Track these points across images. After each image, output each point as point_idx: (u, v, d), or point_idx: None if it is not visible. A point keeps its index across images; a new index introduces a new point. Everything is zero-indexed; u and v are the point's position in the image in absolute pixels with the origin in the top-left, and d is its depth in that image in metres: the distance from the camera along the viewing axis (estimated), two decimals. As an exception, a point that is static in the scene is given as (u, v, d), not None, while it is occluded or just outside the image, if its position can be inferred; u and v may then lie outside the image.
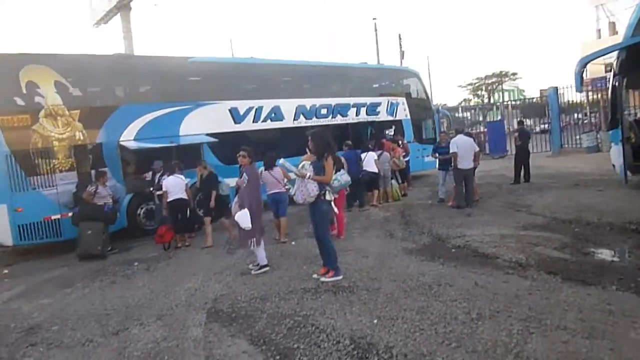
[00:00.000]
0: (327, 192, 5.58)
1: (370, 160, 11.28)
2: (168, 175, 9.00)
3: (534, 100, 39.33)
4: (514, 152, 22.37)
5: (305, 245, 7.77)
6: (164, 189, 8.86)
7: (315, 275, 5.76)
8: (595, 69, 31.69)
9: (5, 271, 8.43)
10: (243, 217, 6.08)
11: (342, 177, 9.09)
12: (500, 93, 61.49)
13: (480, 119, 37.38)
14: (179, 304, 5.29)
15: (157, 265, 7.56)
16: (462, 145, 10.08)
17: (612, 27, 36.27)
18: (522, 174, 12.83)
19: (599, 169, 14.24)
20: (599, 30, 38.41)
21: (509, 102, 37.27)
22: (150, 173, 10.31)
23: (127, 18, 23.26)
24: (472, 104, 59.18)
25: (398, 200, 11.90)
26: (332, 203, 5.70)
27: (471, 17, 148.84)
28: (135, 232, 10.39)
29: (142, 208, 10.58)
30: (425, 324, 4.02)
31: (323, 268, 5.80)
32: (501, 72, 59.91)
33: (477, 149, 10.43)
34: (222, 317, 4.73)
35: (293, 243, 8.12)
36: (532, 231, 7.18)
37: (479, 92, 62.53)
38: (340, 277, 5.55)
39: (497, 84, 60.86)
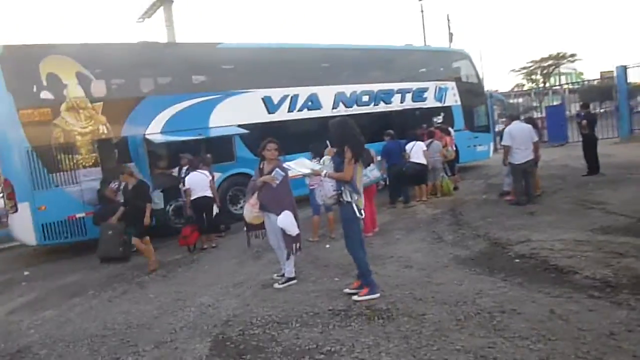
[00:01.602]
0: (345, 192, 4.57)
1: (418, 151, 10.19)
2: (191, 171, 8.28)
3: (594, 82, 36.50)
4: (575, 139, 21.09)
5: (341, 248, 6.81)
6: (186, 186, 8.15)
7: (347, 290, 4.80)
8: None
9: (26, 273, 7.99)
10: (288, 222, 5.16)
11: (371, 173, 8.11)
12: (557, 77, 57.91)
13: (535, 104, 35.07)
14: (185, 326, 4.47)
15: (176, 271, 6.83)
16: (518, 135, 8.68)
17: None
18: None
19: (681, 157, 12.48)
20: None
21: (566, 86, 34.59)
22: (177, 168, 9.63)
23: (169, 9, 23.12)
24: (525, 89, 56.02)
25: (449, 194, 10.69)
26: (356, 207, 4.60)
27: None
28: (165, 230, 9.79)
29: (170, 205, 9.95)
30: (486, 374, 2.99)
31: (356, 281, 4.84)
32: (558, 53, 56.23)
33: (536, 138, 8.97)
34: (228, 348, 3.85)
35: (327, 246, 7.19)
36: (614, 236, 5.89)
37: (533, 77, 59.10)
38: (376, 295, 4.57)
39: (553, 66, 57.23)
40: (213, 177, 9.51)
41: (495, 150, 16.87)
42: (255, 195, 5.37)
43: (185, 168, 9.08)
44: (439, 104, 14.46)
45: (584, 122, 11.75)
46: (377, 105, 13.12)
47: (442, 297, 4.42)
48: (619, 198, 8.21)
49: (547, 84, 52.94)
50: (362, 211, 4.66)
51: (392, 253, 6.33)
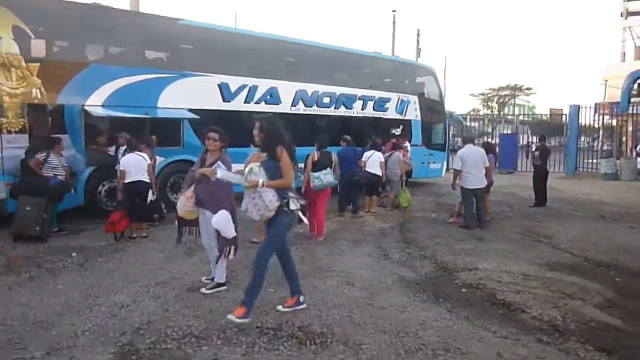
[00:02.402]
0: (292, 200, 4.11)
1: (375, 161, 9.87)
2: (129, 152, 7.57)
3: (544, 117, 37.94)
4: (523, 168, 21.67)
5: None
6: (121, 168, 7.41)
7: (280, 308, 4.33)
8: (615, 93, 30.42)
9: None
10: (225, 222, 4.51)
11: (325, 177, 7.74)
12: (512, 107, 59.95)
13: (489, 130, 35.99)
14: (89, 330, 3.85)
15: (96, 260, 6.12)
16: (469, 159, 8.48)
17: (639, 51, 34.78)
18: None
19: (622, 199, 12.85)
20: (624, 54, 36.92)
21: (518, 117, 35.62)
22: (114, 147, 8.83)
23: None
24: (481, 114, 57.65)
25: (407, 207, 10.42)
26: (300, 212, 4.24)
27: (491, 26, 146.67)
28: (94, 211, 8.98)
29: (103, 185, 9.15)
30: None
31: (292, 297, 4.39)
32: (515, 85, 58.45)
33: (488, 163, 8.76)
34: (132, 364, 3.30)
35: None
36: (561, 273, 5.75)
37: (489, 104, 61.07)
38: (247, 320, 3.99)
39: (509, 97, 59.36)
40: (155, 161, 8.83)
41: (447, 169, 16.93)
42: (192, 187, 4.79)
43: (123, 148, 8.32)
44: (399, 116, 14.27)
45: (537, 153, 11.88)
46: (337, 108, 12.75)
47: (383, 324, 4.04)
48: (565, 234, 8.20)
49: (502, 113, 54.70)
50: (306, 217, 4.25)
51: (335, 266, 5.92)
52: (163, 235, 7.47)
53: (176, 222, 5.16)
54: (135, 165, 7.32)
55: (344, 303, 4.53)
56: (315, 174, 7.52)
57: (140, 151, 7.73)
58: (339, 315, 4.22)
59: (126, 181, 7.30)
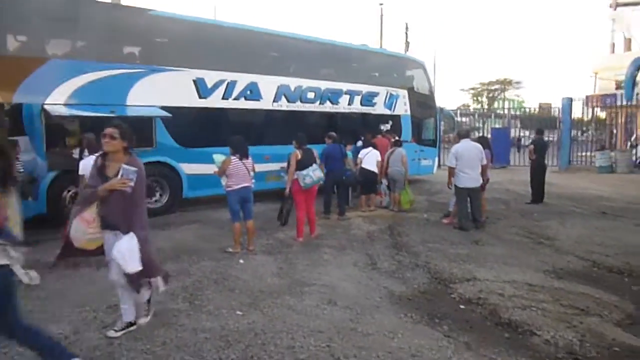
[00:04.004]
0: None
1: (372, 159, 9.55)
2: (89, 154, 6.84)
3: (533, 111, 37.61)
4: (516, 163, 21.19)
5: (257, 266, 5.72)
6: (80, 172, 6.67)
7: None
8: (605, 86, 30.09)
9: None
10: (130, 250, 3.42)
11: (315, 173, 7.23)
12: (501, 101, 59.67)
13: (479, 125, 35.58)
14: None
15: (44, 279, 5.38)
16: (465, 155, 7.84)
17: (628, 43, 34.46)
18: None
19: (620, 193, 12.35)
20: (613, 45, 36.62)
21: (508, 111, 35.20)
22: (78, 149, 8.08)
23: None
24: (471, 109, 57.38)
25: (408, 209, 9.74)
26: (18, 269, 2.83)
27: (480, 20, 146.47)
28: (59, 220, 8.22)
29: (69, 191, 8.40)
30: None
31: None
32: (505, 79, 58.12)
33: (485, 160, 8.16)
34: None
35: (241, 262, 6.00)
36: (570, 282, 5.13)
37: (479, 98, 60.79)
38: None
39: (499, 91, 59.07)
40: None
41: (439, 166, 16.36)
42: (93, 208, 3.51)
43: (86, 150, 7.59)
44: (387, 112, 13.60)
45: (531, 147, 11.31)
46: (322, 104, 12.05)
47: (368, 356, 3.38)
48: (567, 234, 7.60)
49: (491, 107, 54.40)
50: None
51: (316, 278, 5.26)
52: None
53: (60, 250, 3.85)
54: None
55: (322, 329, 3.85)
56: (304, 172, 7.14)
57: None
58: (315, 346, 3.54)
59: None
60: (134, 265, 3.44)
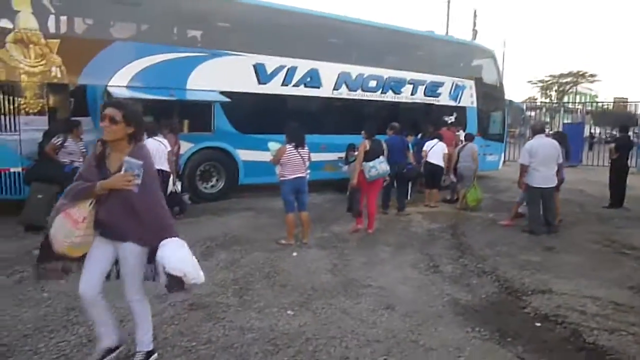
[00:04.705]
0: None
1: (438, 151, 9.28)
2: (147, 137, 6.80)
3: (606, 106, 35.05)
4: (590, 162, 19.77)
5: (312, 261, 5.44)
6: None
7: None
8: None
9: None
10: (181, 255, 2.74)
11: (381, 166, 6.99)
12: (573, 95, 56.15)
13: (547, 120, 33.63)
14: (52, 363, 3.04)
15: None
16: (540, 152, 7.13)
17: None
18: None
19: None
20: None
21: (583, 106, 32.92)
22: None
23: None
24: (538, 103, 54.42)
25: (475, 207, 9.14)
26: None
27: (552, 8, 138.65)
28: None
29: (127, 172, 8.49)
30: None
31: None
32: (578, 72, 54.47)
33: (562, 159, 7.51)
34: None
35: (295, 254, 5.75)
36: (662, 303, 4.49)
37: (548, 92, 57.40)
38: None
39: (571, 84, 55.52)
40: (179, 148, 8.14)
41: (504, 162, 15.46)
42: (85, 205, 2.77)
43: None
44: (452, 103, 12.91)
45: (613, 145, 10.33)
46: (384, 93, 11.57)
47: (431, 377, 3.01)
48: (655, 245, 6.80)
49: (561, 101, 51.34)
50: None
51: (373, 279, 4.90)
52: (185, 231, 6.68)
53: (36, 252, 2.94)
54: (151, 152, 6.53)
55: (379, 338, 3.50)
56: (370, 163, 6.93)
57: (163, 136, 7.01)
58: (371, 358, 3.20)
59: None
60: (193, 272, 2.74)
